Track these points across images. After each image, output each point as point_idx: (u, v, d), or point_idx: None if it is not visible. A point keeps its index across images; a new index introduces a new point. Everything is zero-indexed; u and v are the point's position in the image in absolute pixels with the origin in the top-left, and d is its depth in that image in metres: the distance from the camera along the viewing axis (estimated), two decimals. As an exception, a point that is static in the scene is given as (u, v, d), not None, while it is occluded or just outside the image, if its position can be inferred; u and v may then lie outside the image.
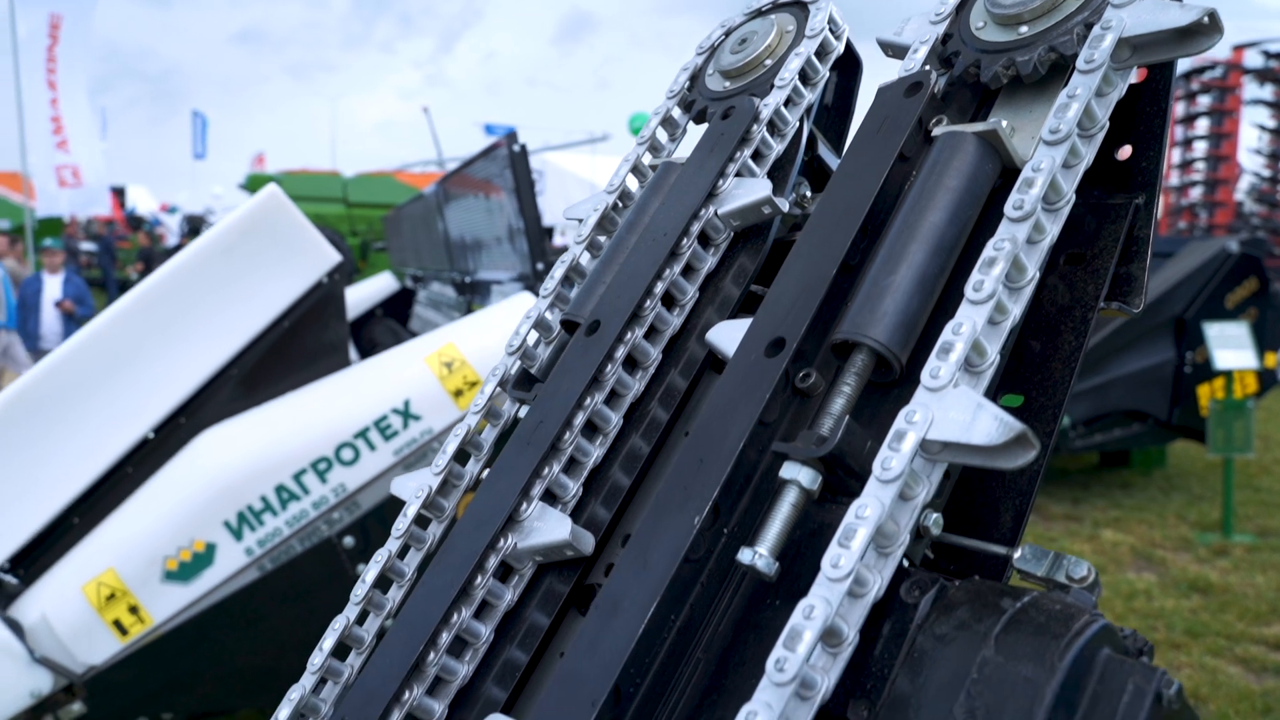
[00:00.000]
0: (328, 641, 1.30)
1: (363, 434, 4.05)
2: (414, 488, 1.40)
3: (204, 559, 3.93)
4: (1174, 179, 31.14)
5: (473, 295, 7.12)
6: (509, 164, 5.08)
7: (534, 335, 1.47)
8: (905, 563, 1.00)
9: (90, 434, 4.08)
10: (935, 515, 1.02)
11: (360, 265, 22.92)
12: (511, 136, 5.07)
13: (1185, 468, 10.91)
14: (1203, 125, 29.79)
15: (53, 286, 13.14)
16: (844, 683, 0.95)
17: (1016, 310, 1.01)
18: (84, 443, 4.08)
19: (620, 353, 1.30)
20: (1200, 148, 29.77)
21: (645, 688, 1.01)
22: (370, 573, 1.34)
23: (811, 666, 0.87)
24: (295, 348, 4.34)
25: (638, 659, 0.99)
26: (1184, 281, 9.45)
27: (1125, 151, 1.28)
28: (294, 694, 1.28)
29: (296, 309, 4.32)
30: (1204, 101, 29.44)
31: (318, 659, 1.30)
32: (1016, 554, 1.00)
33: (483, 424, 1.45)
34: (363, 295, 9.43)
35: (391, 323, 9.33)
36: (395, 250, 13.07)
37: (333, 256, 4.38)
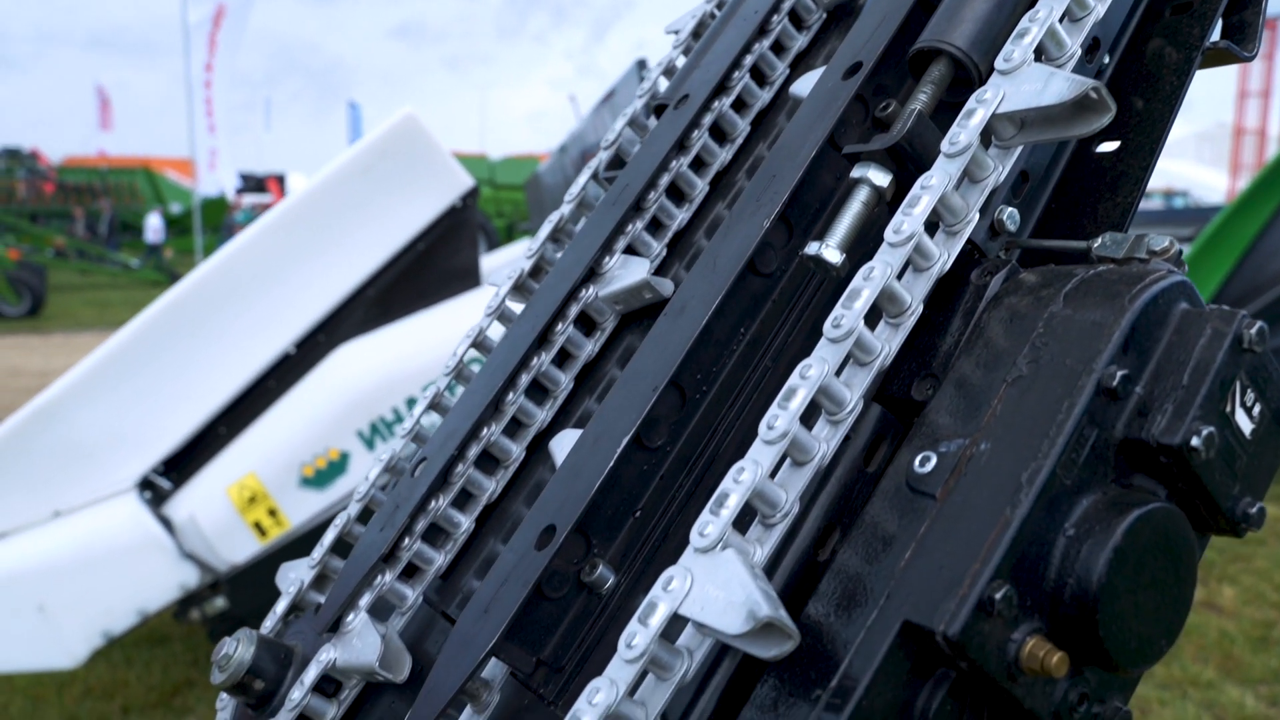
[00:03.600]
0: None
1: (490, 351, 4.14)
2: (507, 272, 1.43)
3: (338, 467, 4.09)
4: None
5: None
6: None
7: (629, 131, 1.48)
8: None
9: (236, 350, 4.29)
10: (1011, 210, 0.99)
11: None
12: (641, 63, 5.09)
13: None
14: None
15: None
16: (909, 365, 0.94)
17: (1100, 9, 0.97)
18: (230, 358, 4.29)
19: (707, 120, 1.30)
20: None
21: (713, 395, 1.01)
22: (463, 345, 1.38)
23: (875, 335, 0.86)
24: (428, 270, 4.46)
25: (701, 360, 0.99)
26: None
27: None
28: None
29: (431, 232, 4.44)
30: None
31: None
32: (1096, 243, 0.96)
33: (578, 213, 1.47)
34: (504, 261, 9.59)
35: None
36: (535, 215, 13.28)
37: (466, 181, 4.48)
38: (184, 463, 4.27)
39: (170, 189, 35.00)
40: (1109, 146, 1.17)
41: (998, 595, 0.72)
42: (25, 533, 4.05)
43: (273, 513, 4.07)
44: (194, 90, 21.49)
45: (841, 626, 0.79)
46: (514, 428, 1.23)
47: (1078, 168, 1.16)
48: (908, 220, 0.87)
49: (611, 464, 0.94)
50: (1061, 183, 1.16)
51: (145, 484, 4.21)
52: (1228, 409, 0.79)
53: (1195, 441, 0.76)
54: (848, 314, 0.84)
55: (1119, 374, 0.77)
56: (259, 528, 4.07)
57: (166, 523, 4.10)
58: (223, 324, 4.25)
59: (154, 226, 27.46)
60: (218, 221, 27.70)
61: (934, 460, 0.82)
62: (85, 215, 26.15)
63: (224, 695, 1.29)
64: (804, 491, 0.84)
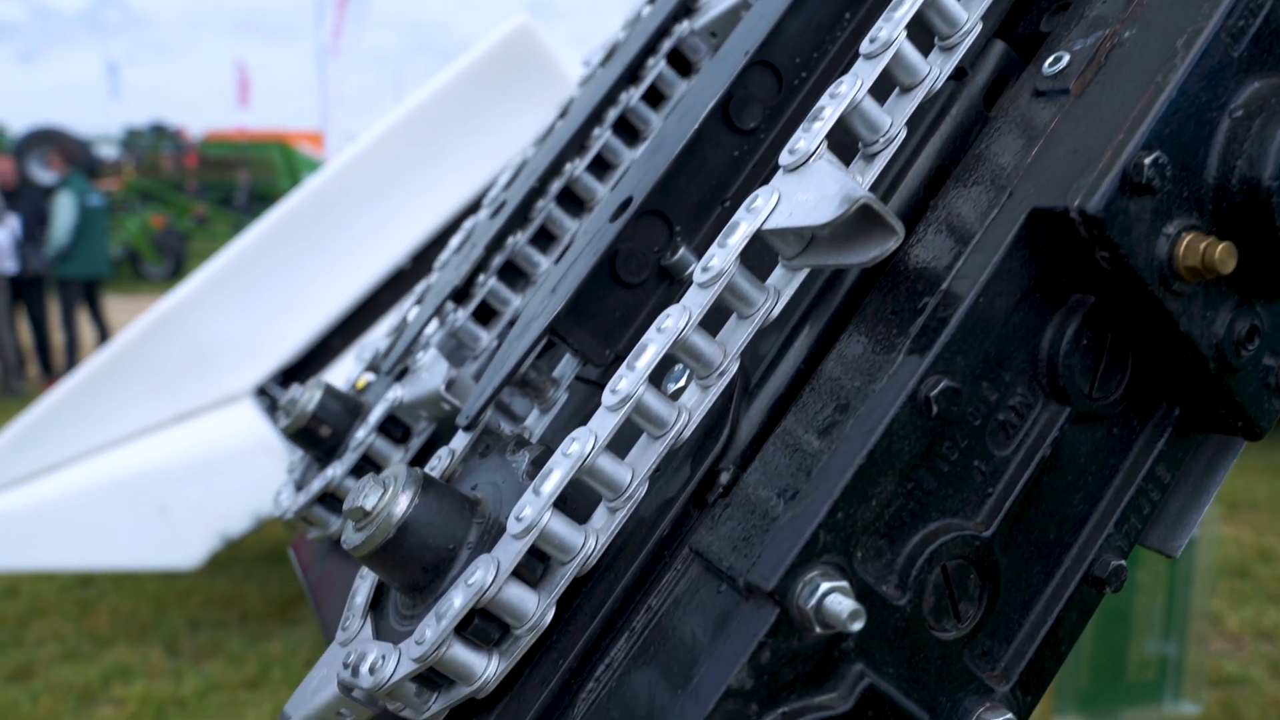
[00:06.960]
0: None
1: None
2: (603, 41, 1.36)
3: (449, 377, 4.08)
4: None
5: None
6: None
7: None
8: None
9: (350, 263, 4.31)
10: None
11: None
12: None
13: None
14: None
15: None
16: (1039, 2, 0.81)
17: None
18: (345, 272, 4.32)
19: None
20: None
21: (812, 84, 0.90)
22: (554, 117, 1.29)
23: None
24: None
25: (798, 38, 0.88)
26: None
27: None
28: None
29: (543, 148, 4.38)
30: None
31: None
32: None
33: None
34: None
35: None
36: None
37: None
38: (299, 374, 4.32)
39: (303, 161, 36.02)
40: None
41: (1147, 161, 0.59)
42: (149, 435, 4.15)
43: (384, 422, 4.09)
44: (324, 63, 22.05)
45: (953, 241, 0.67)
46: (600, 168, 1.14)
47: None
48: None
49: (693, 131, 0.84)
50: None
51: (261, 392, 4.27)
52: None
53: None
54: None
55: None
56: (370, 436, 4.09)
57: (282, 430, 4.15)
58: (338, 238, 4.27)
59: None
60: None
61: (1067, 58, 0.70)
62: (198, 185, 27.06)
63: (293, 459, 1.24)
64: (911, 117, 0.72)
